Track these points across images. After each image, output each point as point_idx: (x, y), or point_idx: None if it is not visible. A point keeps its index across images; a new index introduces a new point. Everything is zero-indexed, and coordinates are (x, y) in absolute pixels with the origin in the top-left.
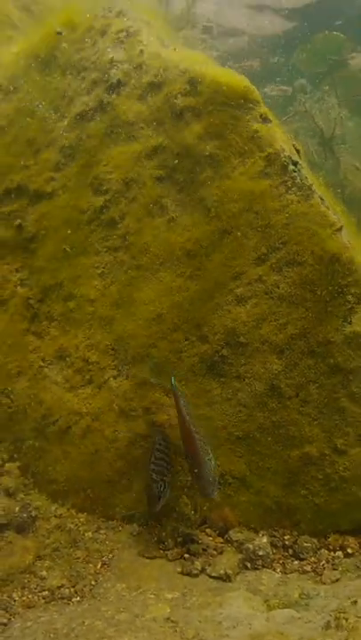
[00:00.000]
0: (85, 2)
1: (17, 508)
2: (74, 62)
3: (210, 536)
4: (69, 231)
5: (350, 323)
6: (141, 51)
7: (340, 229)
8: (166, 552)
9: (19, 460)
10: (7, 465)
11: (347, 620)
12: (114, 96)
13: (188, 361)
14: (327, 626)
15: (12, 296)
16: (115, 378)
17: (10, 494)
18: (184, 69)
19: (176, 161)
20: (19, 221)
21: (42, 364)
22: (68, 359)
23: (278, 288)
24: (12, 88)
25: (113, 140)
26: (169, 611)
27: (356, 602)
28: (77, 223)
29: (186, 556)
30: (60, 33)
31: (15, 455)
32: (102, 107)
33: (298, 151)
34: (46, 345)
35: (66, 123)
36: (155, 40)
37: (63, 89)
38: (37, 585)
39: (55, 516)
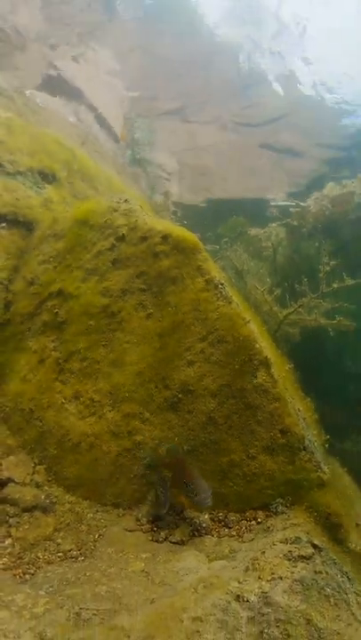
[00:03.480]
0: (107, 194)
1: (42, 496)
2: (99, 224)
3: (171, 515)
4: (87, 318)
5: (256, 377)
6: (136, 220)
7: (248, 322)
8: (142, 527)
9: (45, 463)
10: (37, 467)
11: (259, 564)
12: (119, 243)
13: (157, 401)
14: (247, 569)
15: (48, 357)
16: (110, 411)
17: (38, 486)
18: (160, 229)
19: (153, 280)
20: (56, 311)
21: (64, 401)
22: (80, 399)
23: (213, 356)
24: (61, 248)
25: (117, 267)
26: (143, 565)
27: (264, 552)
28: (92, 314)
29: (155, 529)
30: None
31: (43, 460)
32: (112, 248)
33: (223, 277)
34: (67, 389)
35: (90, 256)
36: (144, 215)
37: (90, 237)
38: (55, 548)
39: (68, 502)
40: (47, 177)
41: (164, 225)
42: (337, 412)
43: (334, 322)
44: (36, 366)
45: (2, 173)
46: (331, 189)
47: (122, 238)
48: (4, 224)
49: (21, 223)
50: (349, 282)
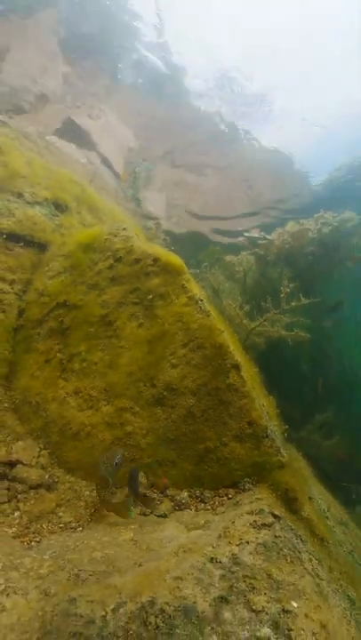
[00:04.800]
0: (109, 223)
1: (47, 476)
2: (101, 247)
3: (155, 493)
4: (87, 326)
5: (228, 378)
6: (132, 245)
7: (223, 332)
8: None
9: (49, 448)
10: (42, 451)
11: (229, 532)
12: (117, 263)
13: (145, 397)
14: (219, 536)
15: (53, 357)
16: (105, 405)
17: (43, 468)
18: (151, 253)
19: (144, 295)
20: (61, 319)
21: (65, 395)
22: (80, 394)
23: (193, 360)
24: (68, 266)
25: (114, 283)
26: (132, 535)
27: (234, 522)
28: (91, 322)
29: (142, 504)
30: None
31: (47, 446)
32: (111, 267)
33: (203, 295)
34: (69, 385)
35: (92, 273)
36: (139, 241)
37: (93, 258)
38: (57, 521)
39: (68, 482)
40: (60, 207)
41: (155, 249)
42: (294, 407)
43: (293, 333)
44: (43, 365)
45: (23, 202)
46: (291, 227)
47: (119, 259)
48: (21, 243)
49: (36, 244)
50: (305, 301)
